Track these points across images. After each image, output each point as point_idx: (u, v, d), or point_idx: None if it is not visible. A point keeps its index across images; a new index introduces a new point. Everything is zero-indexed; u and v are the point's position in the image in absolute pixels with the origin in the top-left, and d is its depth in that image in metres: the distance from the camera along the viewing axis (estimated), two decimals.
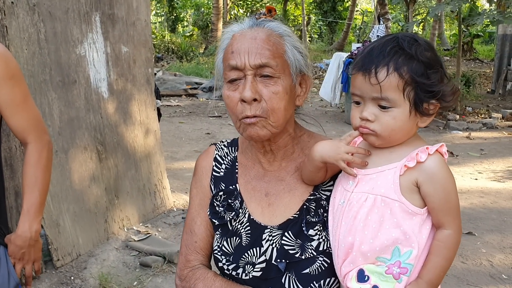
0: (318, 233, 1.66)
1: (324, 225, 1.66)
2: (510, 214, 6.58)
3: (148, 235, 5.36)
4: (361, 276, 1.48)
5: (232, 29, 1.70)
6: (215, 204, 1.79)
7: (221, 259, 1.73)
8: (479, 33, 30.70)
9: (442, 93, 1.45)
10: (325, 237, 1.65)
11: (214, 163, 1.86)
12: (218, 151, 1.88)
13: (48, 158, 2.26)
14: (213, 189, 1.82)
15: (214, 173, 1.84)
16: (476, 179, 8.17)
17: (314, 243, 1.64)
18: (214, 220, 1.78)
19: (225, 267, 1.72)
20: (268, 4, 35.56)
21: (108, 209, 5.21)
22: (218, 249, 1.75)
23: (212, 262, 1.85)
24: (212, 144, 1.94)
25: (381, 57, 1.44)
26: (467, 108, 13.89)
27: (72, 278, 4.50)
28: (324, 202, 1.69)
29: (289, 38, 1.65)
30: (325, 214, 1.67)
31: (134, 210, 5.61)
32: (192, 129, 12.03)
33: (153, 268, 4.73)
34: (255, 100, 1.57)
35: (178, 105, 15.70)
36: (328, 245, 1.64)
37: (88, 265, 4.71)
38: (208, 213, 1.80)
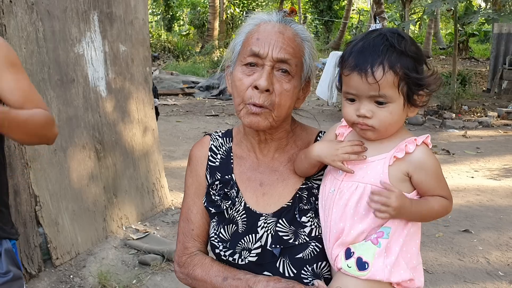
0: (310, 220, 1.72)
1: (316, 212, 1.72)
2: (506, 211, 6.62)
3: (147, 233, 5.37)
4: (348, 254, 1.56)
5: (260, 17, 1.75)
6: (211, 193, 1.84)
7: (218, 245, 1.78)
8: (474, 32, 30.79)
9: (429, 83, 1.54)
10: (317, 223, 1.71)
11: (209, 153, 1.90)
12: (213, 142, 1.92)
13: (47, 123, 2.20)
14: (209, 179, 1.86)
15: (209, 162, 1.88)
16: (472, 177, 8.21)
17: (307, 229, 1.71)
18: (210, 209, 1.82)
19: (222, 253, 1.77)
20: (265, 3, 35.55)
21: (106, 208, 5.22)
22: (216, 236, 1.79)
23: (209, 248, 1.89)
24: (206, 134, 1.98)
25: (376, 56, 1.48)
26: (463, 106, 13.94)
27: (71, 276, 4.51)
28: (316, 191, 1.76)
29: (309, 44, 1.72)
30: (316, 202, 1.73)
31: (132, 208, 5.62)
32: (189, 128, 12.05)
33: (152, 266, 4.75)
34: (267, 90, 1.63)
35: (175, 104, 15.72)
36: (320, 231, 1.70)
37: (87, 264, 4.72)
38: (204, 201, 1.85)
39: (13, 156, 4.13)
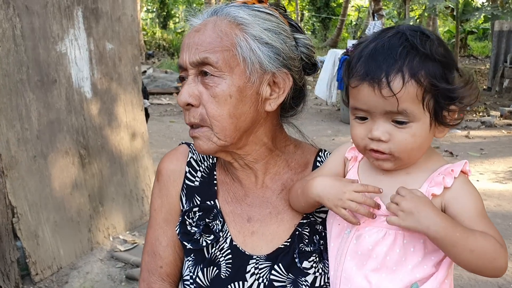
0: (314, 265, 1.37)
1: (321, 255, 1.38)
2: None
3: (135, 244, 5.05)
4: None
5: (190, 23, 1.40)
6: (187, 222, 1.45)
7: None
8: (473, 30, 30.64)
9: (463, 96, 1.18)
10: (322, 270, 1.37)
11: (187, 169, 1.51)
12: (193, 154, 1.53)
13: None
14: (184, 203, 1.48)
15: (187, 181, 1.49)
16: (477, 180, 7.92)
17: (309, 278, 1.35)
18: (185, 243, 1.44)
19: None
20: None
21: (92, 218, 4.90)
22: (191, 280, 1.42)
23: None
24: (183, 143, 1.58)
25: (392, 61, 1.13)
26: None
27: None
28: (320, 227, 1.40)
29: (249, 27, 1.32)
30: (321, 242, 1.38)
31: (120, 217, 5.30)
32: (183, 128, 11.74)
33: None
34: (190, 105, 1.30)
35: (169, 103, 15.42)
36: (326, 280, 1.36)
37: (70, 279, 4.41)
38: (178, 232, 1.46)
39: None
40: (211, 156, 1.51)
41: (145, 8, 37.78)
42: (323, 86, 12.87)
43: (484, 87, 17.76)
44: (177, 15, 40.82)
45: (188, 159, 1.52)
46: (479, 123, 12.27)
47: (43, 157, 4.36)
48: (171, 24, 38.67)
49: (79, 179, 4.76)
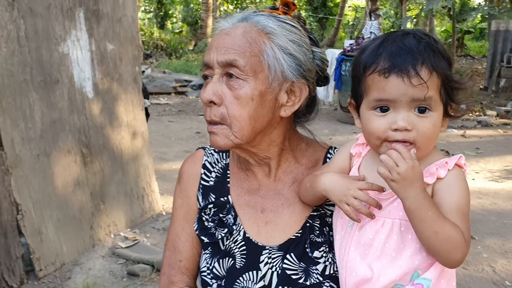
0: (324, 255, 1.46)
1: (330, 246, 1.46)
2: (509, 216, 6.41)
3: (136, 241, 5.13)
4: None
5: (219, 25, 1.48)
6: (203, 218, 1.57)
7: (211, 283, 1.51)
8: (470, 29, 30.67)
9: (466, 90, 1.31)
10: (331, 259, 1.45)
11: (203, 171, 1.63)
12: (208, 157, 1.65)
13: None
14: (200, 201, 1.60)
15: (202, 181, 1.61)
16: (473, 179, 7.99)
17: (320, 267, 1.44)
18: (203, 238, 1.55)
19: None
20: (258, 0, 35.35)
21: (93, 215, 4.97)
22: (208, 271, 1.53)
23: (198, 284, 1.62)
24: (200, 148, 1.70)
25: (417, 55, 1.23)
26: (460, 106, 13.76)
27: None
28: (330, 219, 1.49)
29: (275, 37, 1.41)
30: (331, 233, 1.47)
31: (121, 215, 5.38)
32: (181, 128, 11.80)
33: (141, 277, 4.50)
34: (213, 103, 1.38)
35: (167, 103, 15.46)
36: (335, 269, 1.44)
37: (73, 275, 4.48)
38: (196, 228, 1.58)
39: None
40: (224, 158, 1.63)
41: (142, 8, 37.77)
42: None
43: (481, 86, 17.81)
44: (175, 15, 40.80)
45: (203, 162, 1.64)
46: (475, 123, 12.33)
47: (46, 155, 4.44)
48: (168, 24, 38.64)
49: (81, 178, 4.84)
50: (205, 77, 1.43)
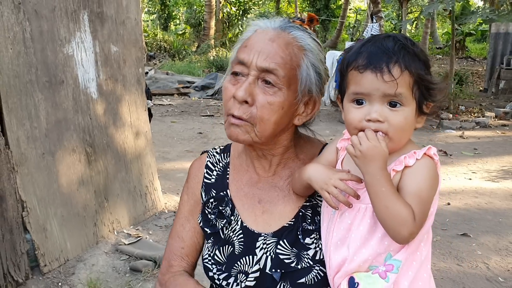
0: (315, 241, 1.58)
1: (320, 233, 1.58)
2: (505, 214, 6.52)
3: (139, 238, 5.25)
4: (352, 284, 1.42)
5: (258, 24, 1.59)
6: (206, 212, 1.72)
7: (211, 268, 1.65)
8: (471, 32, 30.73)
9: (439, 91, 1.42)
10: (321, 245, 1.57)
11: (205, 170, 1.79)
12: (210, 158, 1.80)
13: None
14: (203, 197, 1.75)
15: (205, 180, 1.77)
16: (470, 179, 8.11)
17: (311, 252, 1.57)
18: (206, 229, 1.70)
19: (216, 276, 1.63)
20: (261, 2, 35.43)
21: (97, 212, 5.09)
22: (210, 258, 1.67)
23: (201, 272, 1.75)
24: (204, 152, 1.86)
25: (391, 54, 1.36)
26: (460, 107, 13.86)
27: (59, 284, 4.38)
28: (321, 209, 1.61)
29: (310, 54, 1.53)
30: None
31: (124, 212, 5.50)
32: (184, 128, 11.92)
33: (144, 273, 4.62)
34: (246, 102, 1.48)
35: (170, 104, 15.59)
36: None
37: (77, 271, 4.59)
38: (200, 221, 1.73)
39: None
40: (225, 158, 1.79)
41: (146, 10, 37.89)
42: None
43: (481, 88, 17.90)
44: (178, 16, 40.90)
45: (206, 163, 1.80)
46: (474, 124, 12.41)
47: (51, 154, 4.55)
48: (172, 26, 38.75)
49: (85, 176, 4.96)
50: (235, 74, 1.54)
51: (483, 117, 12.99)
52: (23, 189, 4.26)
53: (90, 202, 5.00)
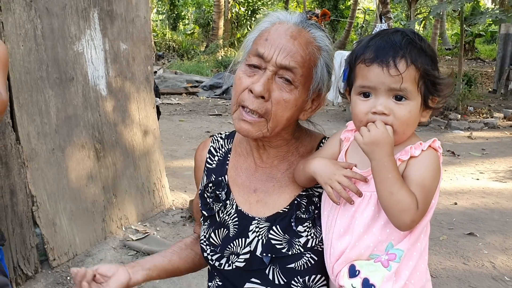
0: (307, 230, 1.60)
1: (314, 222, 1.61)
2: None
3: (147, 234, 5.30)
4: (352, 271, 1.44)
5: (277, 16, 1.60)
6: (205, 195, 1.77)
7: (206, 249, 1.70)
8: (481, 33, 30.62)
9: (445, 86, 1.45)
10: (314, 234, 1.59)
11: (208, 155, 1.83)
12: (213, 143, 1.84)
13: None
14: (205, 180, 1.80)
15: (207, 165, 1.82)
16: (477, 179, 8.10)
17: (302, 240, 1.59)
18: (204, 212, 1.75)
19: (209, 257, 1.69)
20: (270, 2, 35.44)
21: (106, 208, 5.15)
22: (205, 239, 1.72)
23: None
24: (210, 136, 1.90)
25: (398, 49, 1.39)
26: (468, 107, 13.82)
27: (68, 278, 4.43)
28: (316, 199, 1.64)
29: (325, 54, 1.57)
30: (316, 211, 1.62)
31: (132, 209, 5.55)
32: (192, 127, 11.97)
33: None
34: (262, 97, 1.49)
35: (178, 103, 15.65)
36: (317, 242, 1.59)
37: (85, 265, 4.63)
38: (200, 204, 1.78)
39: (9, 155, 4.07)
40: (228, 143, 1.82)
41: (155, 10, 37.99)
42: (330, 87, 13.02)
43: (490, 89, 17.84)
44: (187, 16, 40.97)
45: (209, 148, 1.84)
46: (482, 125, 12.37)
47: (61, 150, 4.61)
48: (180, 26, 38.81)
49: (94, 172, 5.01)
50: (252, 66, 1.53)
51: (492, 118, 12.95)
52: (33, 184, 4.32)
53: (99, 198, 5.06)
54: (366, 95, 1.45)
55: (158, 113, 6.33)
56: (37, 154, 4.36)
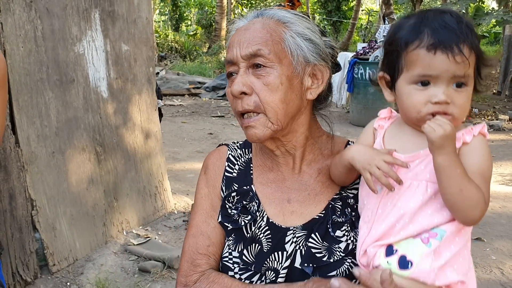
0: (346, 234, 1.54)
1: (352, 225, 1.55)
2: None
3: (148, 239, 5.21)
4: (389, 251, 1.38)
5: (237, 23, 1.59)
6: (227, 206, 1.64)
7: (233, 267, 1.58)
8: (484, 34, 30.51)
9: (490, 69, 1.41)
10: (353, 237, 1.54)
11: (227, 163, 1.72)
12: (232, 152, 1.75)
13: None
14: (224, 191, 1.68)
15: (226, 173, 1.70)
16: None
17: (342, 245, 1.53)
18: (226, 224, 1.62)
19: (237, 276, 1.57)
20: (273, 3, 35.40)
21: (106, 212, 5.06)
22: (231, 256, 1.60)
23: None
24: (223, 144, 1.81)
25: (459, 33, 1.32)
26: (473, 109, 13.72)
27: (68, 283, 4.36)
28: (352, 201, 1.58)
29: (293, 25, 1.53)
30: (352, 213, 1.56)
31: (133, 213, 5.46)
32: (194, 129, 11.89)
33: (152, 273, 4.58)
34: (245, 94, 1.47)
35: (180, 104, 15.57)
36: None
37: (85, 270, 4.56)
38: (219, 216, 1.65)
39: (8, 159, 3.99)
40: (247, 153, 1.73)
41: (157, 11, 37.97)
42: (333, 88, 12.95)
43: (494, 91, 17.73)
44: (189, 17, 40.93)
45: (227, 156, 1.73)
46: (487, 127, 12.28)
47: (61, 153, 4.53)
48: (183, 27, 38.75)
49: (95, 175, 4.93)
50: (230, 75, 1.54)
51: (497, 120, 12.85)
52: (33, 187, 4.24)
53: (100, 202, 4.97)
54: (424, 83, 1.36)
55: (160, 115, 6.25)
56: (36, 157, 4.27)
